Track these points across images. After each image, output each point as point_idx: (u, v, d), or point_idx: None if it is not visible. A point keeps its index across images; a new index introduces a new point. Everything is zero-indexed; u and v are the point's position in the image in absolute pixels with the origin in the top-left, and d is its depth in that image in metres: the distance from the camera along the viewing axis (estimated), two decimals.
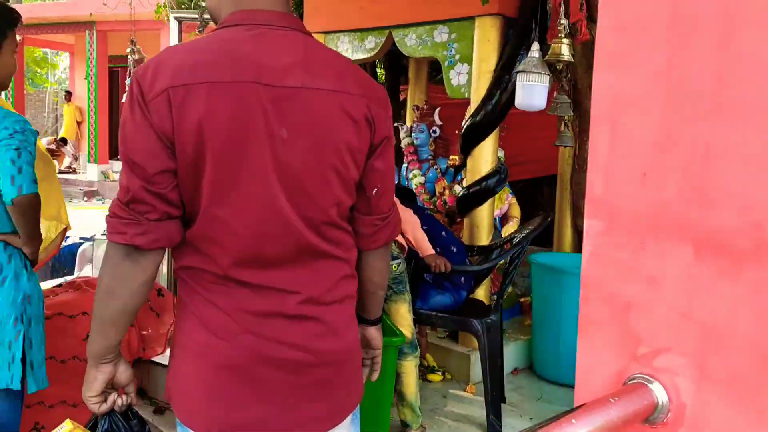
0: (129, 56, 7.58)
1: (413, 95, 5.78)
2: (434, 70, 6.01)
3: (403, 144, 4.93)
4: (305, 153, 1.32)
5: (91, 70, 14.13)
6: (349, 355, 1.51)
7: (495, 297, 3.55)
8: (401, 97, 6.42)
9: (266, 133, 1.28)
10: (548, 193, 5.54)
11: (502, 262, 3.93)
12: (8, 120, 2.18)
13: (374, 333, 1.74)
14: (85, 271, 4.80)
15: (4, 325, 2.24)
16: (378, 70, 6.85)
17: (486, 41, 3.85)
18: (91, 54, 14.03)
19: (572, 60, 3.28)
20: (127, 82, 7.70)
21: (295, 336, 1.40)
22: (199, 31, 4.07)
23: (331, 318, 1.44)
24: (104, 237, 4.59)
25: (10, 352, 2.25)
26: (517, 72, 3.36)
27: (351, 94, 1.38)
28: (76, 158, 16.08)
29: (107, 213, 1.33)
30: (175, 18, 4.09)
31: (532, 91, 3.33)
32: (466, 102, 4.08)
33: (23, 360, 2.27)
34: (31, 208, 2.19)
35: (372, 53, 4.52)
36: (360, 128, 1.38)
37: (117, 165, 16.08)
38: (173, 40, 4.10)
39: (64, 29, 13.97)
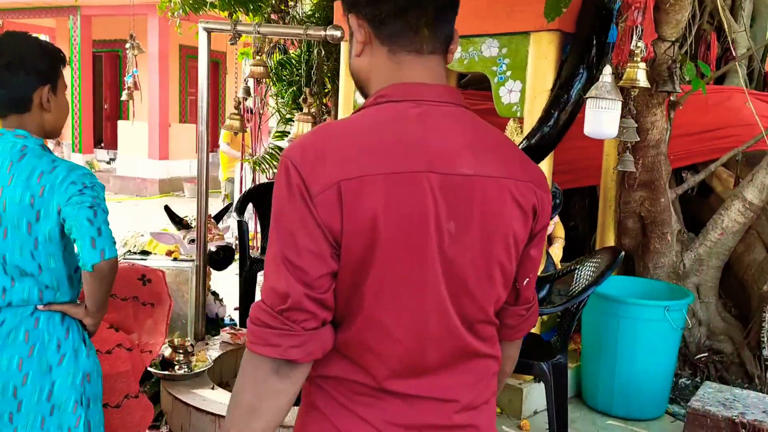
0: (128, 51, 7.25)
1: None
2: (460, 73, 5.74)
3: None
4: (472, 248, 1.18)
5: (75, 55, 13.63)
6: None
7: (558, 336, 3.37)
8: None
9: (435, 227, 1.14)
10: (581, 205, 5.34)
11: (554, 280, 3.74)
12: (75, 174, 1.94)
13: None
14: None
15: (63, 411, 2.01)
16: None
17: (543, 58, 3.62)
18: (74, 39, 13.53)
19: (648, 85, 3.07)
20: (128, 79, 7.40)
21: None
22: (231, 43, 3.77)
23: (482, 422, 1.31)
24: (129, 259, 4.31)
25: None
26: (588, 97, 3.14)
27: (519, 180, 1.23)
28: (58, 143, 15.60)
29: (249, 320, 1.15)
30: (204, 29, 3.78)
31: (602, 118, 3.13)
32: None
33: None
34: (110, 274, 1.95)
35: None
36: (527, 218, 1.24)
37: (101, 154, 15.65)
38: (202, 53, 3.80)
39: (46, 13, 13.48)
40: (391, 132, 1.16)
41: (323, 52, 3.61)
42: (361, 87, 1.32)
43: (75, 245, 1.93)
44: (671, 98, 4.29)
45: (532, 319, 1.43)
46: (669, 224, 4.20)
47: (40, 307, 1.99)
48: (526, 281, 1.34)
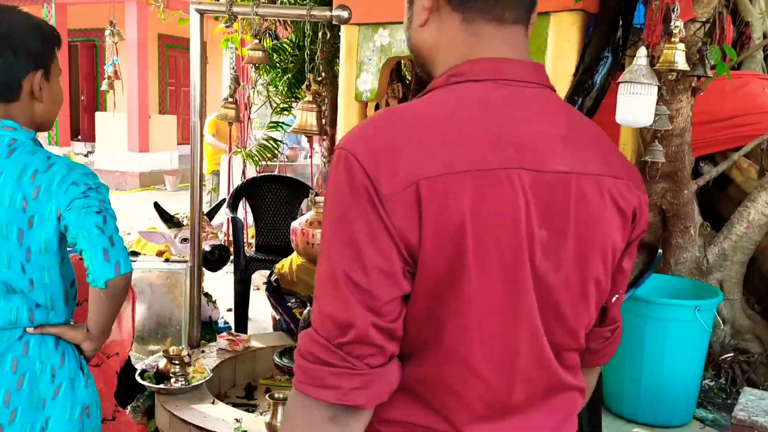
0: (107, 38, 6.89)
1: None
2: None
3: None
4: (566, 262, 0.99)
5: None
6: None
7: None
8: None
9: (527, 237, 0.95)
10: None
11: None
12: (75, 173, 1.65)
13: None
14: None
15: None
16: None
17: (565, 41, 3.37)
18: None
19: (687, 68, 2.82)
20: (107, 68, 7.04)
21: None
22: (227, 26, 3.47)
23: None
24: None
25: None
26: (621, 82, 2.89)
27: (618, 178, 1.04)
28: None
29: (298, 352, 0.94)
30: (197, 10, 3.47)
31: (636, 104, 2.87)
32: None
33: None
34: (124, 291, 1.68)
35: None
36: (626, 223, 1.05)
37: (79, 146, 15.20)
38: (194, 36, 3.50)
39: (19, 1, 12.97)
40: (474, 119, 0.96)
41: (329, 35, 3.32)
42: (423, 64, 1.12)
43: (82, 257, 1.65)
44: (693, 84, 4.07)
45: (616, 343, 1.24)
46: (692, 217, 3.98)
47: (30, 329, 1.70)
48: (615, 298, 1.16)
